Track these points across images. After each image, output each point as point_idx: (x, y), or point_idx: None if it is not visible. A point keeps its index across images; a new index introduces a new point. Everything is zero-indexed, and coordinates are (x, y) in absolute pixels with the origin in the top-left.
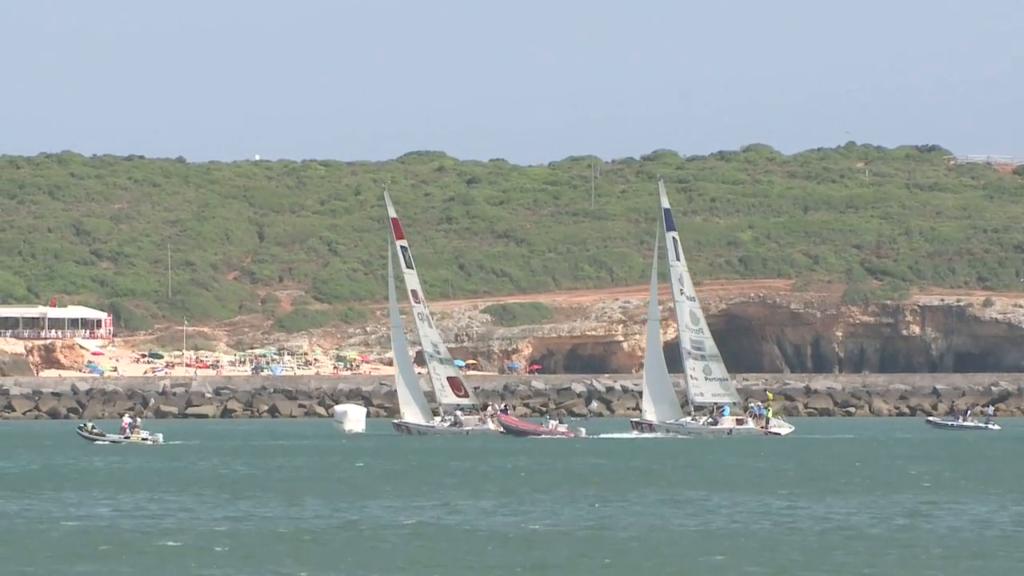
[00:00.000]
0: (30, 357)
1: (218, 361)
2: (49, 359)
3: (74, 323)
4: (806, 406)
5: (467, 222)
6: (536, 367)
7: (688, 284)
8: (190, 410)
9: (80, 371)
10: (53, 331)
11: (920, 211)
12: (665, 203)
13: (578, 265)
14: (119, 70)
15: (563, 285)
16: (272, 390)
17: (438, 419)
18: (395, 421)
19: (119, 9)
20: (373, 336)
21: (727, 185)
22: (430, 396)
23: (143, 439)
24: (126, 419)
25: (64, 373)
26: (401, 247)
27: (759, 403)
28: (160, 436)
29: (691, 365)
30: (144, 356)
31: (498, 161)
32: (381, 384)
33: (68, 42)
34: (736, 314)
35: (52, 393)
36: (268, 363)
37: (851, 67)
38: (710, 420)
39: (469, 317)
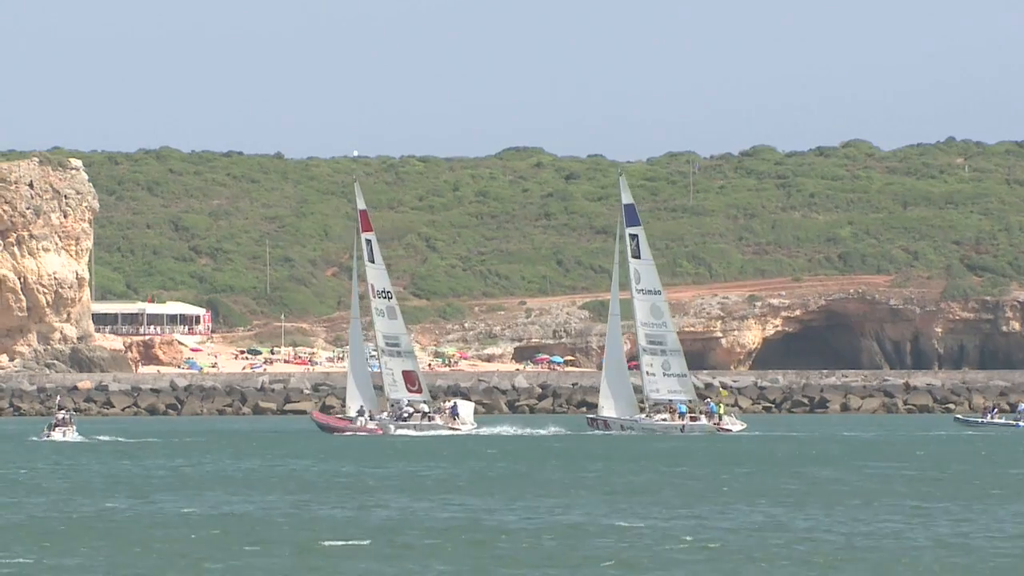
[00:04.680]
0: (129, 353)
1: (314, 355)
2: (148, 355)
3: (173, 319)
4: (905, 403)
5: (565, 218)
6: (633, 364)
7: (648, 279)
8: (288, 406)
9: (179, 367)
10: (152, 327)
11: (1020, 207)
12: (627, 199)
13: (676, 261)
14: (218, 66)
15: (662, 281)
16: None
17: (384, 413)
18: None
19: (219, 7)
20: (471, 332)
21: (826, 181)
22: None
23: (48, 437)
24: (58, 416)
25: (163, 369)
26: (366, 240)
27: (711, 400)
28: (72, 435)
29: (648, 360)
30: (243, 352)
31: (596, 157)
32: (479, 380)
33: (166, 39)
34: (835, 310)
35: (151, 389)
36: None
37: (951, 62)
38: (664, 416)
39: (567, 313)
